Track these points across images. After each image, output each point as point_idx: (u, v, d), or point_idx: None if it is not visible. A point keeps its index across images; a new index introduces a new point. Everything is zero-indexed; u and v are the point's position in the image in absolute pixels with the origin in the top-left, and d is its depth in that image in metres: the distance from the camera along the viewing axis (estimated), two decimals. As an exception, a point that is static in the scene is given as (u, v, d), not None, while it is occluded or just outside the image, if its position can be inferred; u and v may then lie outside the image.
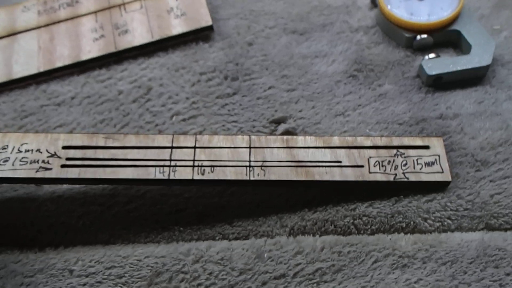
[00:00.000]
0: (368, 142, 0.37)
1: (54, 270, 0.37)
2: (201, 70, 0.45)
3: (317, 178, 0.36)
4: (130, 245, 0.38)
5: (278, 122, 0.42)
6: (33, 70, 0.45)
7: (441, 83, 0.43)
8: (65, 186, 0.40)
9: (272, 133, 0.41)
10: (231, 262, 0.36)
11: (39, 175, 0.35)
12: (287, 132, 0.41)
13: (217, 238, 0.37)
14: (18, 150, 0.36)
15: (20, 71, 0.45)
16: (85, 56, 0.45)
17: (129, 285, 0.36)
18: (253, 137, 0.37)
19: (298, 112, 0.42)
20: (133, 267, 0.36)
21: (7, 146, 0.36)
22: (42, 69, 0.45)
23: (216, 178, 0.36)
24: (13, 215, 0.39)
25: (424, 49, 0.45)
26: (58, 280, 0.36)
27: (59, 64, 0.45)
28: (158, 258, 0.36)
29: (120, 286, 0.35)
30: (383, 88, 0.43)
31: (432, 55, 0.43)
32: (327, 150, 0.37)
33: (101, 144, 0.37)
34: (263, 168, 0.36)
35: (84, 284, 0.36)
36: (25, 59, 0.45)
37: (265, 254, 0.36)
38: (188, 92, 0.44)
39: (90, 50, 0.45)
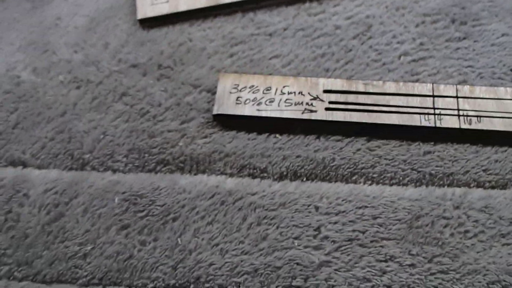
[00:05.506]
0: None
1: (298, 205, 0.34)
2: (424, 11, 0.42)
3: None
4: (374, 185, 0.35)
5: (518, 71, 0.39)
6: (242, -4, 0.42)
7: None
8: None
9: (513, 81, 0.38)
10: (497, 210, 0.33)
11: (305, 116, 0.35)
12: (529, 83, 0.38)
13: (471, 185, 0.34)
14: (281, 92, 0.36)
15: (228, -4, 0.42)
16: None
17: (386, 226, 0.33)
18: None
19: (539, 62, 0.39)
20: (388, 208, 0.33)
21: (270, 87, 0.36)
22: (252, -4, 0.42)
23: (484, 128, 0.34)
24: (240, 146, 0.36)
25: None
26: (305, 216, 0.33)
27: (270, -8, 0.42)
28: (413, 201, 0.34)
29: (377, 227, 0.33)
30: None
31: None
32: None
33: (361, 89, 0.36)
34: None
35: (336, 222, 0.33)
36: (235, -17, 0.42)
37: (532, 207, 0.33)
38: (413, 32, 0.41)
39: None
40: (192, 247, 0.32)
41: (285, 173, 0.35)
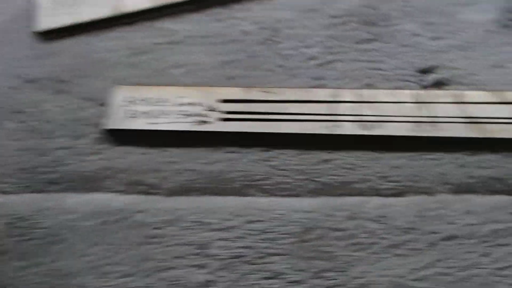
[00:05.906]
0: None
1: (186, 222, 0.32)
2: (334, 13, 0.40)
3: (491, 135, 0.32)
4: (267, 197, 0.33)
5: (426, 71, 0.37)
6: (146, 4, 0.40)
7: None
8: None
9: (421, 82, 0.36)
10: (393, 220, 0.31)
11: (200, 128, 0.34)
12: (439, 83, 0.36)
13: (369, 194, 0.33)
14: (177, 103, 0.35)
15: (131, 4, 0.40)
16: (201, -8, 0.41)
17: (275, 241, 0.31)
18: (419, 91, 0.34)
19: (449, 62, 0.37)
20: (279, 222, 0.32)
21: (166, 99, 0.35)
22: (156, 3, 0.40)
23: (383, 133, 0.33)
24: (132, 161, 0.35)
25: None
26: (192, 234, 0.32)
27: (173, -1, 0.40)
28: (306, 212, 0.32)
29: (266, 242, 0.31)
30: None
31: None
32: (503, 106, 0.33)
33: (260, 97, 0.35)
34: (432, 124, 0.32)
35: (223, 239, 0.31)
36: (139, -9, 0.41)
37: (428, 213, 0.31)
38: (322, 36, 0.39)
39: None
40: (72, 271, 0.31)
41: (176, 188, 0.34)
